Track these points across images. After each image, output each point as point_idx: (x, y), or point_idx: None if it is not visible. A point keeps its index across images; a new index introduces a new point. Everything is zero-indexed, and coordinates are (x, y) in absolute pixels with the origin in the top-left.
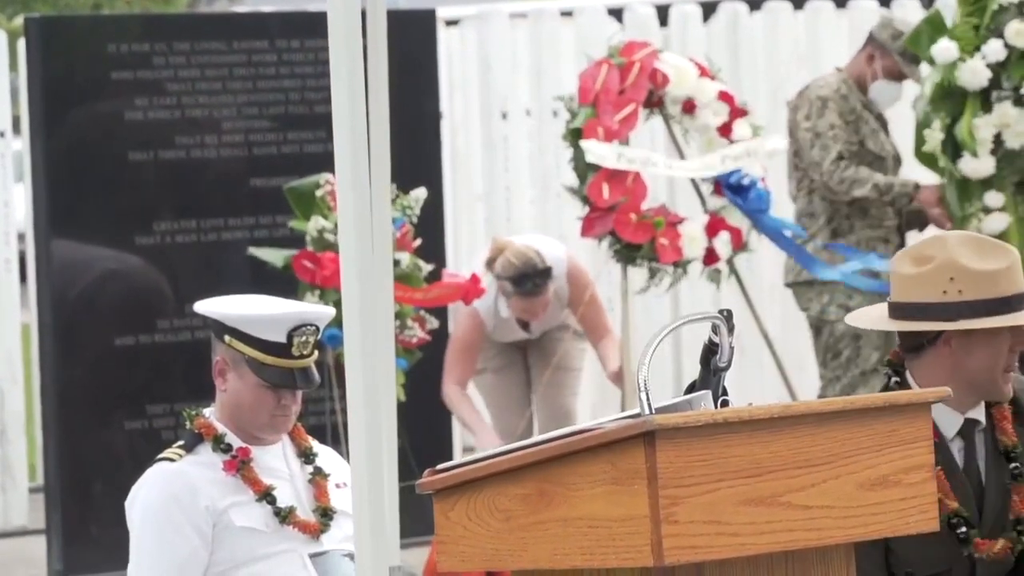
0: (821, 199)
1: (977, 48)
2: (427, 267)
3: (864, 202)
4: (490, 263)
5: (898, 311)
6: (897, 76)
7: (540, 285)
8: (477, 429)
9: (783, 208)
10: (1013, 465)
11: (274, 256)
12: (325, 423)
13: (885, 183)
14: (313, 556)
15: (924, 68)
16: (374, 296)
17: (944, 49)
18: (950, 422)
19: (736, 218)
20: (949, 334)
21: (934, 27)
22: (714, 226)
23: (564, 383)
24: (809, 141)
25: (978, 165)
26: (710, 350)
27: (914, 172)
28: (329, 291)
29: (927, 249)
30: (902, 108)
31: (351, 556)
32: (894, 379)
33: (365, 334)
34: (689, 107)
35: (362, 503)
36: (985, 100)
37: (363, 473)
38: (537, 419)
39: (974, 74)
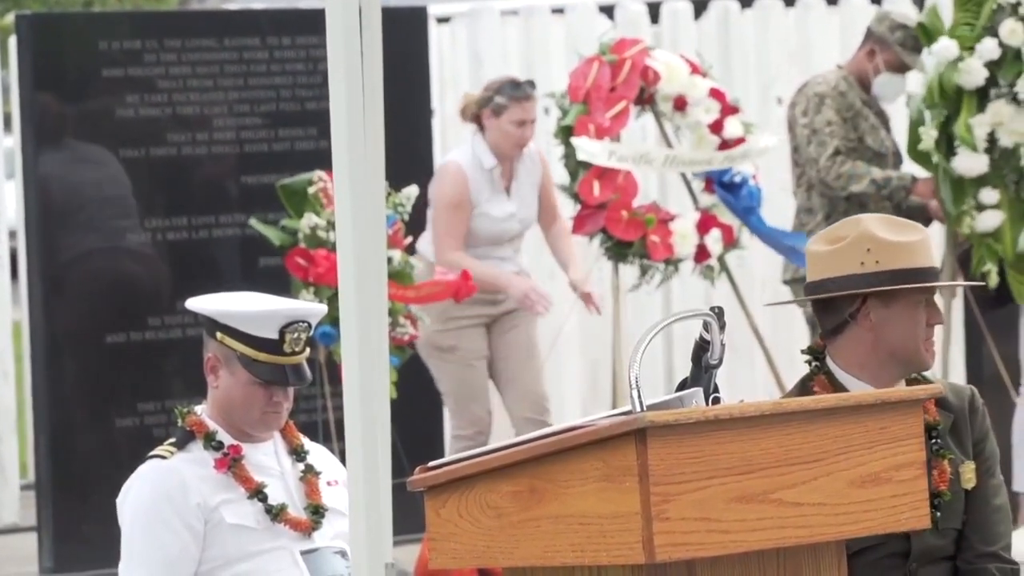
0: (819, 195)
1: (972, 47)
2: (419, 264)
3: (862, 198)
4: (465, 110)
5: (816, 288)
6: (900, 68)
7: (531, 90)
8: (504, 281)
9: (773, 205)
10: (933, 441)
11: (272, 233)
12: (316, 420)
13: (882, 177)
14: (304, 553)
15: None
16: (370, 294)
17: (944, 48)
18: None
19: (727, 215)
20: (868, 308)
21: (933, 25)
22: (705, 223)
23: (536, 368)
24: (806, 138)
25: (972, 163)
26: (701, 347)
27: (913, 168)
28: (323, 288)
29: (840, 230)
30: (896, 105)
31: (342, 553)
32: (815, 363)
33: (362, 331)
34: (680, 104)
35: (358, 501)
36: (980, 99)
37: (359, 471)
38: (511, 408)
39: (971, 73)
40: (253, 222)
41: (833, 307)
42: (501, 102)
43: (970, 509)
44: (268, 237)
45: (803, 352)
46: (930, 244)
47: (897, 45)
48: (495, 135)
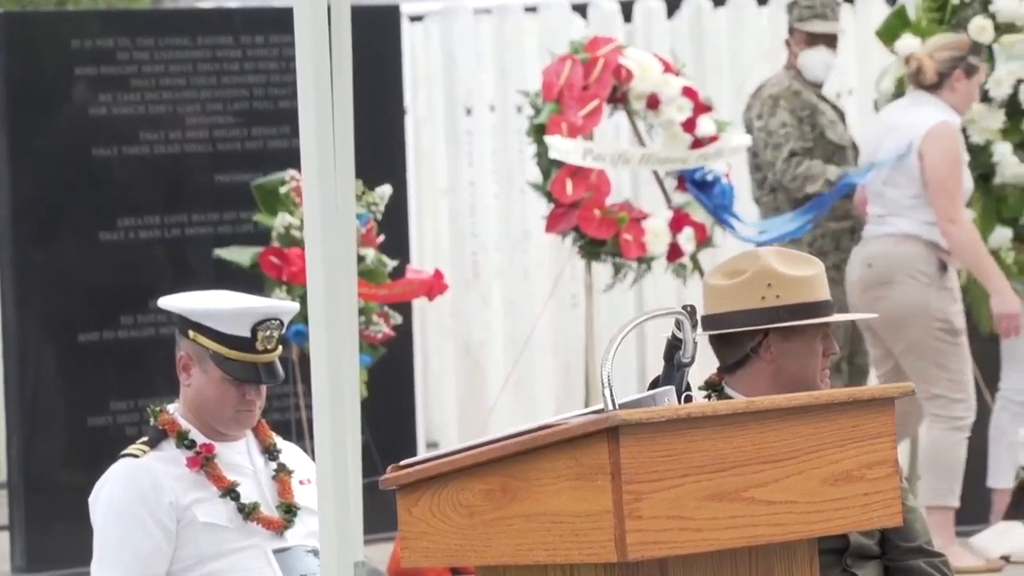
0: (783, 196)
1: None
2: (391, 263)
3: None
4: (927, 69)
5: (715, 322)
6: (811, 42)
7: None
8: (1000, 288)
9: (746, 203)
10: None
11: (241, 255)
12: (289, 419)
13: (837, 177)
14: (277, 552)
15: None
16: (339, 292)
17: (907, 45)
18: None
19: (700, 214)
20: (769, 341)
21: (900, 22)
22: (678, 222)
23: None
24: (763, 141)
25: None
26: (673, 346)
27: None
28: (296, 287)
29: (739, 263)
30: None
31: (315, 552)
32: (714, 397)
33: (330, 330)
34: (653, 102)
35: (327, 499)
36: None
37: (328, 469)
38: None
39: None
40: (218, 252)
41: (734, 340)
42: (975, 63)
43: None
44: (239, 263)
45: (700, 388)
46: (825, 277)
47: (796, 22)
48: (961, 97)
